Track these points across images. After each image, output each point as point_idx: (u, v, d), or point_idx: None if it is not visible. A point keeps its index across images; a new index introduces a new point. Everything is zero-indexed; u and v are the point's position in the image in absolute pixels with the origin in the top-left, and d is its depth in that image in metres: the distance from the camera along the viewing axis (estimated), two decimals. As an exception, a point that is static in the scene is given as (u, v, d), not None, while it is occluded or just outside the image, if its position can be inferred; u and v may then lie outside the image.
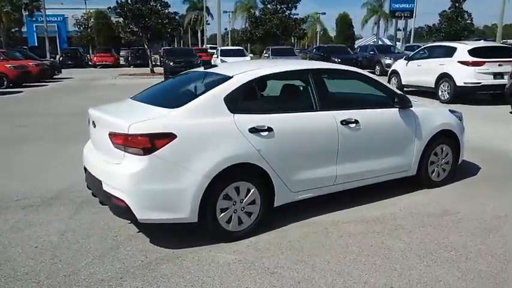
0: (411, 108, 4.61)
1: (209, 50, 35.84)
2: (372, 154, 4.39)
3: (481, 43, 12.89)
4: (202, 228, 3.56)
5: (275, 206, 3.88)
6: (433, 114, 4.93)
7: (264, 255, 3.44)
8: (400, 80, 14.10)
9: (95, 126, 3.82)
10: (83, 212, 4.36)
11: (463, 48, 11.85)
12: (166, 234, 3.75)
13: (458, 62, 11.65)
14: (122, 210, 3.39)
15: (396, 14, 43.01)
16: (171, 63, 20.42)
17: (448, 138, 4.97)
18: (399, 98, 4.51)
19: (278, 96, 4.45)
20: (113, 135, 3.43)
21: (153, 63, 26.75)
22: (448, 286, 2.98)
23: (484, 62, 11.32)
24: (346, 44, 33.36)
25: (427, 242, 3.65)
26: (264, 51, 23.74)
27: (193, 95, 3.80)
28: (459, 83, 11.52)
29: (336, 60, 21.07)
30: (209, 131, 3.50)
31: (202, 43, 55.75)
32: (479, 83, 11.35)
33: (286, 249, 3.54)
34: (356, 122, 4.15)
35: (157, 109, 3.61)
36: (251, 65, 4.30)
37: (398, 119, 4.52)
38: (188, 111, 3.50)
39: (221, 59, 20.87)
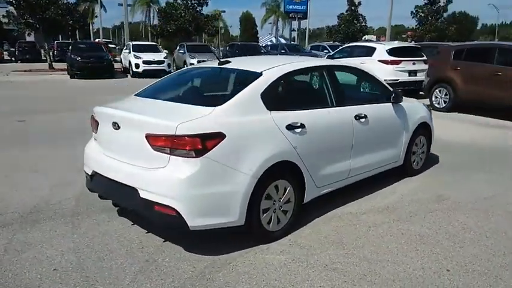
0: (401, 103, 4.95)
1: (110, 45, 33.84)
2: (375, 147, 4.61)
3: (396, 43, 14.18)
4: (247, 231, 3.40)
5: (304, 202, 3.87)
6: (415, 108, 5.34)
7: (313, 252, 3.42)
8: (322, 77, 14.88)
9: (117, 127, 3.39)
10: (83, 225, 3.85)
11: (381, 48, 12.95)
12: (195, 241, 3.50)
13: (379, 60, 12.69)
14: (171, 219, 3.09)
15: (290, 15, 45.23)
16: (79, 59, 18.80)
17: (424, 129, 5.43)
18: (395, 94, 4.80)
19: (302, 92, 4.40)
20: (153, 137, 3.11)
21: (51, 58, 24.37)
22: (490, 263, 3.28)
23: (401, 61, 12.52)
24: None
25: (445, 225, 3.96)
26: (178, 48, 23.03)
27: (228, 93, 3.59)
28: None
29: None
30: (253, 129, 3.36)
31: (95, 37, 52.20)
32: (397, 80, 12.52)
33: (328, 244, 3.56)
34: (365, 116, 4.33)
35: (194, 107, 3.35)
36: (270, 60, 4.20)
37: (393, 113, 4.81)
38: (230, 110, 3.31)
39: (134, 55, 19.83)
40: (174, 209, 3.03)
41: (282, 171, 3.55)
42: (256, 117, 3.41)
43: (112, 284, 2.93)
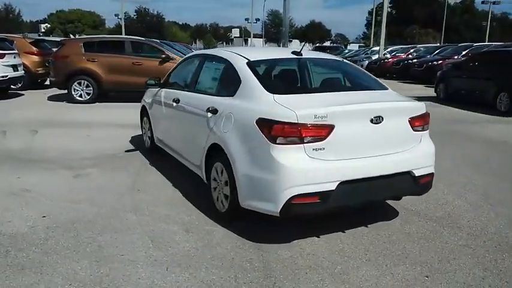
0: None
1: None
2: None
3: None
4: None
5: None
6: None
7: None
8: None
9: (379, 120, 3.33)
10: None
11: (-29, 40, 10.49)
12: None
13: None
14: (430, 184, 3.74)
15: None
16: None
17: None
18: None
19: None
20: (416, 119, 3.55)
21: None
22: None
23: (5, 54, 10.82)
24: None
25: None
26: None
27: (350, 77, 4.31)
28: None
29: None
30: None
31: None
32: (6, 76, 10.83)
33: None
34: None
35: (378, 91, 3.93)
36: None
37: None
38: None
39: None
40: (431, 174, 3.70)
41: None
42: None
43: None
